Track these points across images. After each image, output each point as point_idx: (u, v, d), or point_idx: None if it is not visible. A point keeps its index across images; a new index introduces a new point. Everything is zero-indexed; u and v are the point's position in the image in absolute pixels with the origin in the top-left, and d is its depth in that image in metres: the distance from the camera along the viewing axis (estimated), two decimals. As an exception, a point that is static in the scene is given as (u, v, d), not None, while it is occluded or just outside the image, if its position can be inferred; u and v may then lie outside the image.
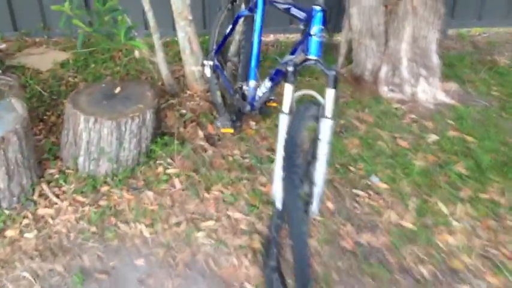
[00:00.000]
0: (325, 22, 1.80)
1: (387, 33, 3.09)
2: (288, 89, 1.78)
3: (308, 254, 1.60)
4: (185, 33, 2.93)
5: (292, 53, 2.02)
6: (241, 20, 2.70)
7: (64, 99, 3.00)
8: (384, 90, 3.14)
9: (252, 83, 2.43)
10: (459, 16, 4.05)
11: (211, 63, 2.77)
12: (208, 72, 2.80)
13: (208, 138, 2.75)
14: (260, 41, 2.39)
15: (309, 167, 1.90)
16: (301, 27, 1.86)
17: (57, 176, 2.41)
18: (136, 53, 2.96)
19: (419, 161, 2.56)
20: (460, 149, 2.64)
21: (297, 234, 1.57)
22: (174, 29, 3.08)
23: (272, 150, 2.61)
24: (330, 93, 1.76)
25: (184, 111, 2.94)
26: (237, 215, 2.24)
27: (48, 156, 2.54)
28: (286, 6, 2.02)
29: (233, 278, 1.94)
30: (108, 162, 2.42)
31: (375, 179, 2.47)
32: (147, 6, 2.75)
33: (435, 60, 3.07)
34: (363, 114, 2.98)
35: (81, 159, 2.42)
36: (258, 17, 2.36)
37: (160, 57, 2.95)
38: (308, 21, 1.81)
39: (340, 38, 3.41)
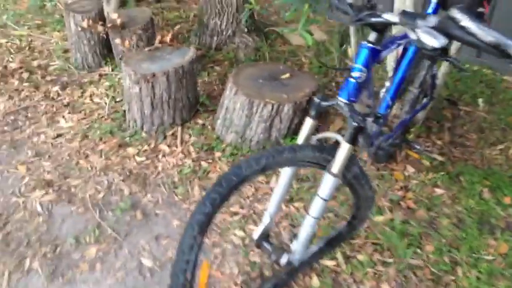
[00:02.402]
0: (368, 63, 1.34)
1: None
2: (307, 122, 1.46)
3: None
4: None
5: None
6: None
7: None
8: None
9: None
10: None
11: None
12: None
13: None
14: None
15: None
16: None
17: (197, 126, 2.67)
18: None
19: None
20: None
21: None
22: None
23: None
24: (344, 148, 1.37)
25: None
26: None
27: (213, 108, 2.79)
28: None
29: None
30: (234, 134, 2.51)
31: None
32: None
33: None
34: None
35: (219, 122, 2.60)
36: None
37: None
38: None
39: None
